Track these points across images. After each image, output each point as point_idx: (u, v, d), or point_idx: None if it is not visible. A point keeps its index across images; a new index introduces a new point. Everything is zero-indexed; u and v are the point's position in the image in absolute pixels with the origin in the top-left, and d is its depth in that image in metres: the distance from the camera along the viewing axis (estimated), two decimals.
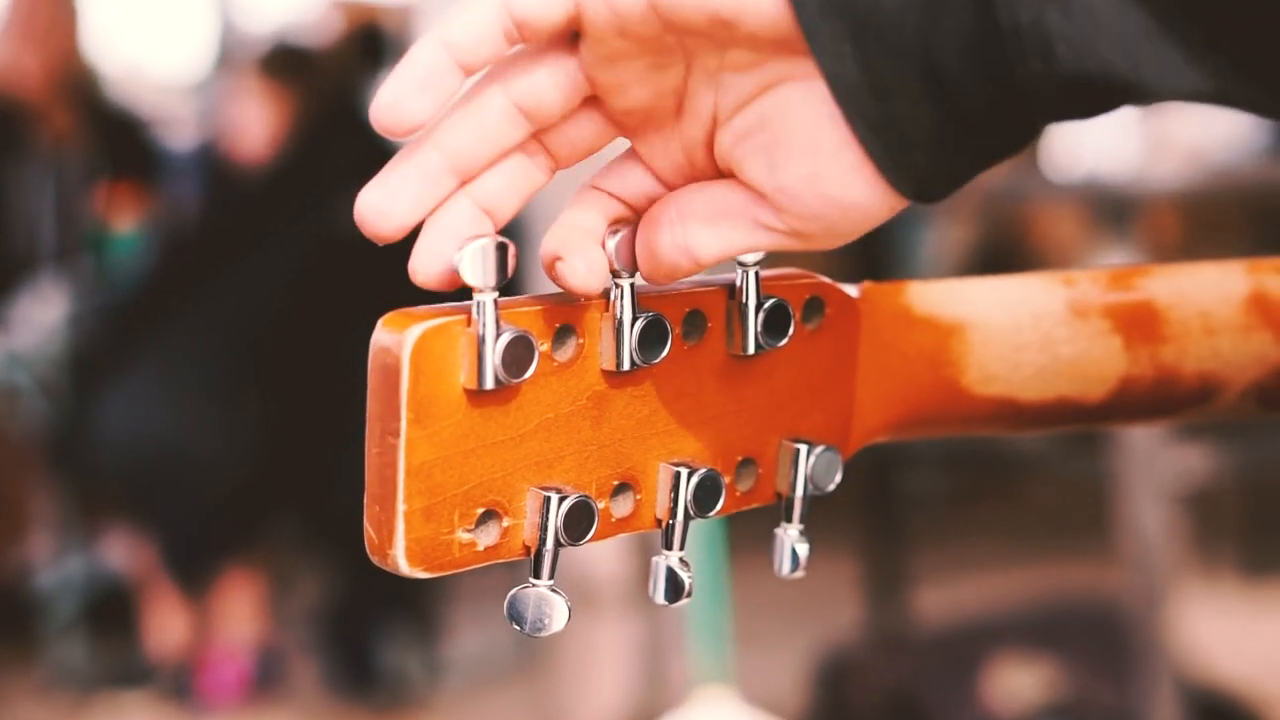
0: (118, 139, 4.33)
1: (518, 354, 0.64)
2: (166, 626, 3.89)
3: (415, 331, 0.63)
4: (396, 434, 0.63)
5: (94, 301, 3.98)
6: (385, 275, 3.44)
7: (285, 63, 4.13)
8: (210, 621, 3.88)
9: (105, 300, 3.97)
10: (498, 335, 0.64)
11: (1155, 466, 2.73)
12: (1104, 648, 3.01)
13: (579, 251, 0.66)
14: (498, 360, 0.64)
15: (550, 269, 0.66)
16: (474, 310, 0.64)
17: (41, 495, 4.11)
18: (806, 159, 0.64)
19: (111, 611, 4.04)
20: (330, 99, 4.19)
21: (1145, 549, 2.71)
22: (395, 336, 0.63)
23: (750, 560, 2.67)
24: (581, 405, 0.68)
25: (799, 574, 0.75)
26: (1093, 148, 5.21)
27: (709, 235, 0.67)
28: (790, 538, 0.75)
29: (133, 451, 3.70)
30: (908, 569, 3.79)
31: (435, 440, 0.64)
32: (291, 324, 3.82)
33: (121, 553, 4.03)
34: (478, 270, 0.63)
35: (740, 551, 2.63)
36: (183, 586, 3.84)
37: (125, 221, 4.19)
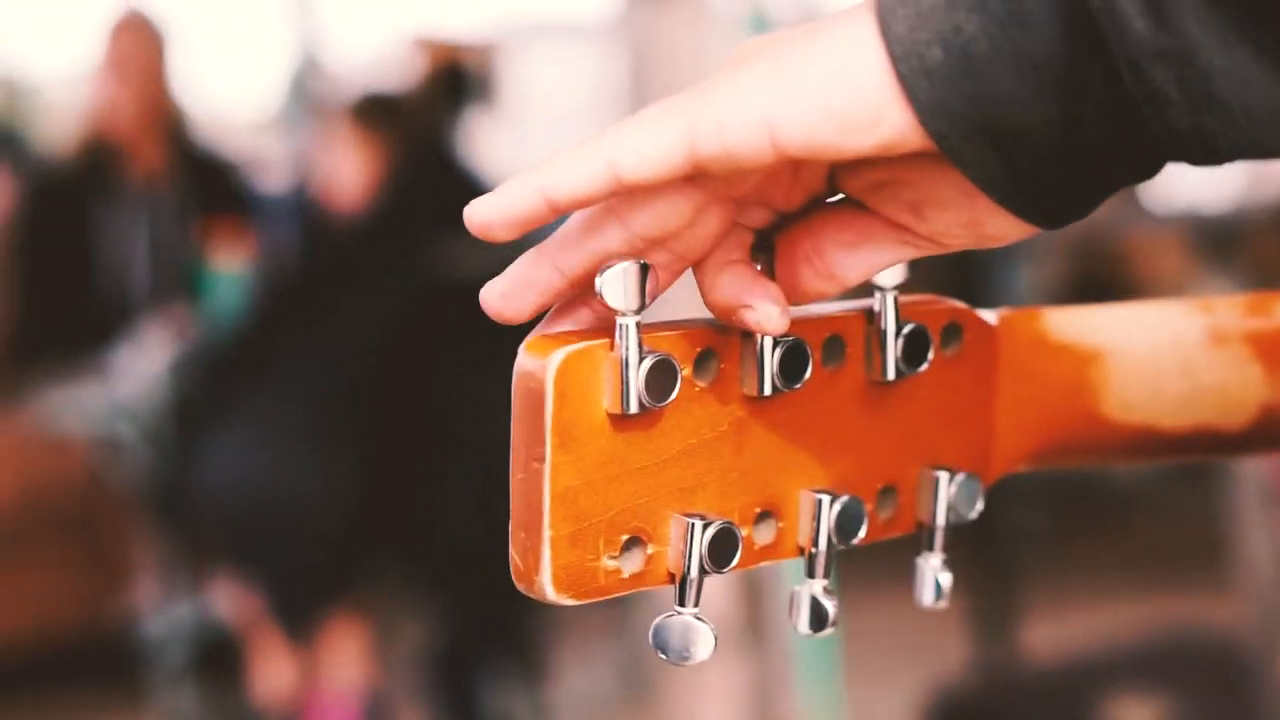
0: (210, 179, 4.37)
1: (660, 378, 0.64)
2: (273, 673, 3.90)
3: (559, 356, 0.63)
4: (541, 459, 0.63)
5: (195, 348, 4.01)
6: (479, 317, 3.45)
7: (376, 111, 4.16)
8: (316, 667, 3.89)
9: (206, 347, 4.00)
10: (641, 359, 0.63)
11: (1270, 496, 2.69)
12: (1221, 682, 2.96)
13: (761, 296, 0.66)
14: (641, 384, 0.63)
15: (737, 319, 0.66)
16: (616, 334, 0.64)
17: (147, 544, 4.14)
18: (956, 213, 0.64)
19: (218, 658, 4.06)
20: (419, 143, 4.21)
21: (1262, 581, 2.67)
22: (539, 361, 0.63)
23: (858, 596, 2.65)
24: (723, 431, 0.67)
25: (942, 604, 0.74)
26: (1191, 177, 5.16)
27: (851, 259, 0.66)
28: (932, 567, 0.74)
29: (235, 499, 3.72)
30: (1016, 604, 3.75)
31: (580, 465, 0.63)
32: (388, 367, 3.84)
33: (227, 600, 4.05)
34: (619, 293, 0.63)
35: (848, 588, 2.61)
36: (288, 632, 3.85)
37: (226, 259, 4.22)
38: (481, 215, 0.63)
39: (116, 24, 4.28)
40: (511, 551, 0.64)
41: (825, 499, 0.69)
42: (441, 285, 3.71)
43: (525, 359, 0.63)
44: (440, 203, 3.98)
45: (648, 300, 0.63)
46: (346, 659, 3.89)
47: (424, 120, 4.43)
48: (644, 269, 0.63)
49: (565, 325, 0.67)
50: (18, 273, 4.24)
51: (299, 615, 3.84)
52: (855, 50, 0.60)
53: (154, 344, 4.00)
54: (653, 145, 0.61)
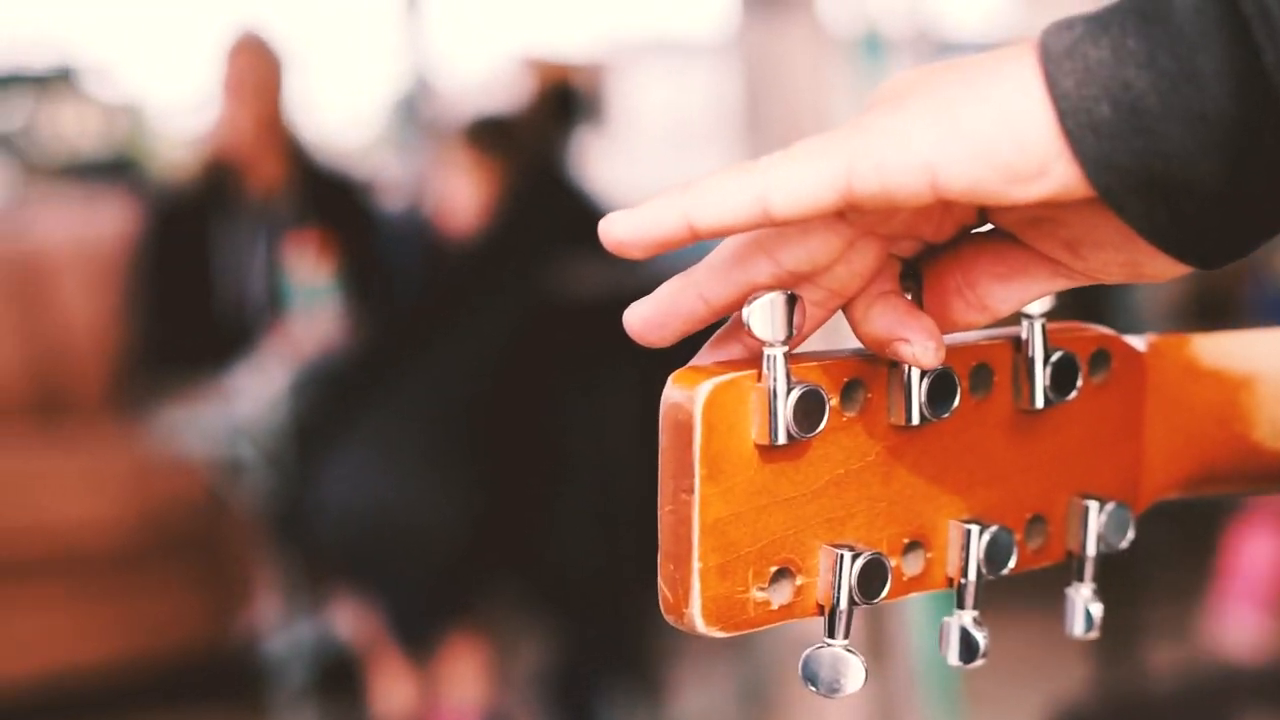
0: (327, 196, 4.41)
1: (809, 409, 0.64)
2: (393, 692, 3.93)
3: (706, 387, 0.63)
4: (690, 490, 0.63)
5: (313, 368, 4.04)
6: (594, 336, 3.45)
7: (489, 134, 4.18)
8: (436, 686, 3.91)
9: (324, 367, 4.04)
10: (788, 390, 0.63)
11: None
12: None
13: (917, 330, 0.65)
14: (789, 415, 0.63)
15: (891, 352, 0.66)
16: (763, 365, 0.64)
17: (267, 564, 4.18)
18: (1115, 253, 0.64)
19: (338, 677, 4.09)
20: (531, 164, 4.23)
21: None
22: (686, 393, 0.63)
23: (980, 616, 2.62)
24: (871, 461, 0.67)
25: (1093, 634, 0.73)
26: None
27: (1004, 291, 0.66)
28: (1083, 598, 0.73)
29: (354, 519, 3.75)
30: (1140, 623, 3.70)
31: (728, 497, 0.63)
32: (504, 387, 3.85)
33: (347, 619, 4.08)
34: (767, 324, 0.63)
35: None
36: (408, 652, 3.87)
37: (312, 273, 4.25)
38: (619, 232, 0.63)
39: (233, 45, 4.33)
40: (660, 584, 0.64)
41: (974, 529, 0.69)
42: (556, 305, 3.72)
43: (673, 391, 0.63)
44: (553, 223, 4.00)
45: (795, 332, 0.63)
46: (465, 677, 3.91)
47: (535, 141, 4.45)
48: (791, 300, 0.63)
49: (715, 358, 0.67)
50: (139, 295, 4.30)
51: (418, 634, 3.86)
52: (1019, 98, 0.60)
53: (273, 364, 4.04)
54: (806, 182, 0.60)
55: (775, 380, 0.63)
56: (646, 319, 0.66)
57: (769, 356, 0.63)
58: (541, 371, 3.82)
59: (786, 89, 2.89)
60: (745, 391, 0.63)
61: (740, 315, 0.64)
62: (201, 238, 4.25)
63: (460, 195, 4.07)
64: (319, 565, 4.07)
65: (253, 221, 4.27)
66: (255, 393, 4.00)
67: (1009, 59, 0.61)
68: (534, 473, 3.82)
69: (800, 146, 0.61)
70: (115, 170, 6.46)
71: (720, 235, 0.63)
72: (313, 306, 4.16)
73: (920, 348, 0.65)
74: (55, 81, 7.02)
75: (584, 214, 4.12)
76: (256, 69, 4.33)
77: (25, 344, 4.53)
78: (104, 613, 4.21)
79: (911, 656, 2.96)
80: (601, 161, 5.64)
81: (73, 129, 6.85)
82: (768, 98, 2.90)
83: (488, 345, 3.88)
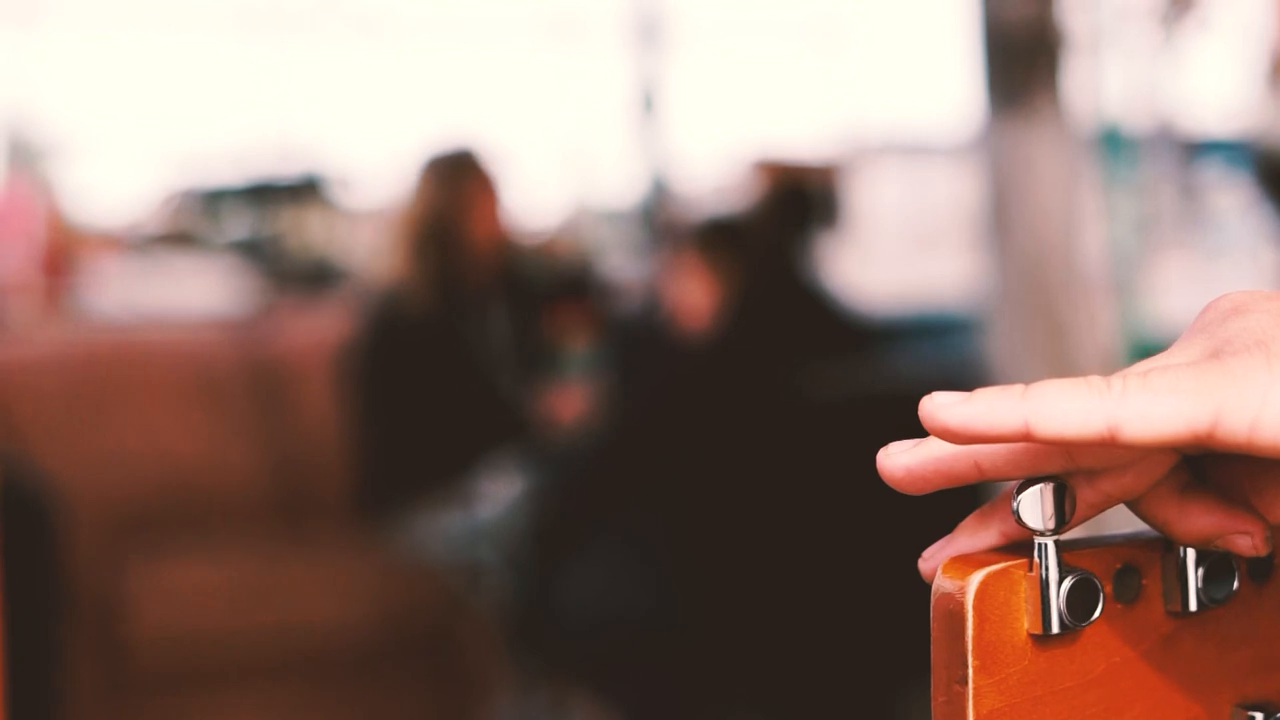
0: (558, 290, 4.48)
1: (1082, 597, 0.63)
2: None
3: (977, 578, 0.62)
4: (964, 681, 0.62)
5: (550, 472, 4.08)
6: (830, 438, 3.43)
7: (721, 236, 4.21)
8: None
9: (562, 470, 4.07)
10: (1061, 579, 0.62)
11: None
12: None
13: (1247, 522, 0.65)
14: (1062, 604, 0.63)
15: (1223, 544, 0.65)
16: (1034, 554, 0.63)
17: (506, 665, 4.21)
18: None
19: None
20: (765, 266, 4.25)
21: None
22: (957, 583, 0.62)
23: None
24: (1147, 648, 0.66)
25: None
26: None
27: (1190, 523, 0.65)
28: None
29: (593, 623, 3.77)
30: None
31: (1002, 688, 0.62)
32: (743, 489, 3.85)
33: None
34: (1037, 513, 0.62)
35: None
36: None
37: (573, 340, 4.30)
38: (948, 418, 0.62)
39: (456, 165, 4.42)
40: None
41: (1258, 715, 0.67)
42: (794, 405, 3.72)
43: (943, 581, 0.63)
44: (789, 324, 4.01)
45: (1066, 521, 0.62)
46: None
47: (768, 243, 4.46)
48: (1062, 488, 0.62)
49: (974, 540, 0.66)
50: (372, 402, 4.38)
51: None
52: None
53: (511, 470, 4.09)
54: (1166, 419, 0.60)
55: (1047, 569, 0.62)
56: (911, 471, 0.65)
57: (1040, 545, 0.63)
58: (781, 472, 3.81)
59: (1032, 188, 2.86)
60: (1017, 581, 0.63)
61: (1008, 499, 0.64)
62: (429, 342, 4.32)
63: (694, 297, 4.10)
64: (558, 666, 4.09)
65: (487, 323, 4.34)
66: (496, 496, 4.05)
67: None
68: (770, 576, 3.81)
69: (1159, 378, 0.60)
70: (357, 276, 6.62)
71: (1056, 444, 0.63)
72: (580, 373, 4.22)
73: (1259, 538, 0.64)
74: (303, 190, 7.26)
75: (820, 314, 4.13)
76: (486, 183, 4.42)
77: (271, 448, 4.64)
78: (347, 714, 4.29)
79: None
80: (840, 262, 5.64)
81: (319, 236, 7.06)
82: (1013, 197, 2.88)
83: (725, 446, 3.89)
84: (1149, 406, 0.59)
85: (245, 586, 4.22)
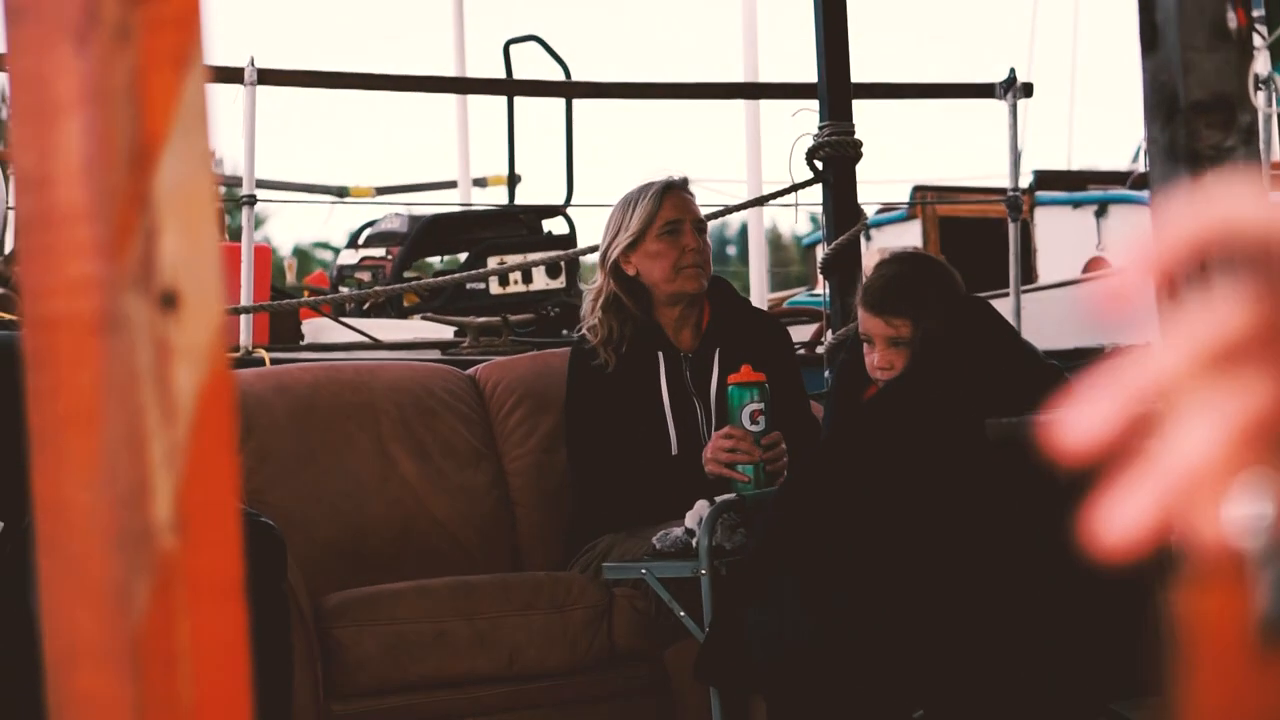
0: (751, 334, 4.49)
1: None
2: None
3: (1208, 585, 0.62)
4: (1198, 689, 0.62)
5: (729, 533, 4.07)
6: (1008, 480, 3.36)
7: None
8: None
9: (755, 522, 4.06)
10: None
11: None
12: None
13: None
14: None
15: None
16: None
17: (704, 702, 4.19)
18: None
19: None
20: (955, 311, 4.21)
21: None
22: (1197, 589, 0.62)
23: None
24: None
25: None
26: None
27: None
28: None
29: (779, 662, 3.76)
30: None
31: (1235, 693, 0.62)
32: (932, 534, 3.81)
33: None
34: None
35: None
36: None
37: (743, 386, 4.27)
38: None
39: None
40: None
41: None
42: (989, 451, 3.69)
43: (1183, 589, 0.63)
44: (981, 367, 3.97)
45: None
46: None
47: (957, 290, 4.43)
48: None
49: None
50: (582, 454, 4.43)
51: None
52: None
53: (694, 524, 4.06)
54: None
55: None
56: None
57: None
58: (979, 509, 3.76)
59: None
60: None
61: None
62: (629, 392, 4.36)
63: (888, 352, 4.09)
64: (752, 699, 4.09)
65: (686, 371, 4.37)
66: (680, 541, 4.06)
67: None
68: (947, 618, 3.76)
69: None
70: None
71: None
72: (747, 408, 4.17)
73: None
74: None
75: (1012, 356, 4.09)
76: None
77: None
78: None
79: None
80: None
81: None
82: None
83: (917, 491, 3.85)
84: None
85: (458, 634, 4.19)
